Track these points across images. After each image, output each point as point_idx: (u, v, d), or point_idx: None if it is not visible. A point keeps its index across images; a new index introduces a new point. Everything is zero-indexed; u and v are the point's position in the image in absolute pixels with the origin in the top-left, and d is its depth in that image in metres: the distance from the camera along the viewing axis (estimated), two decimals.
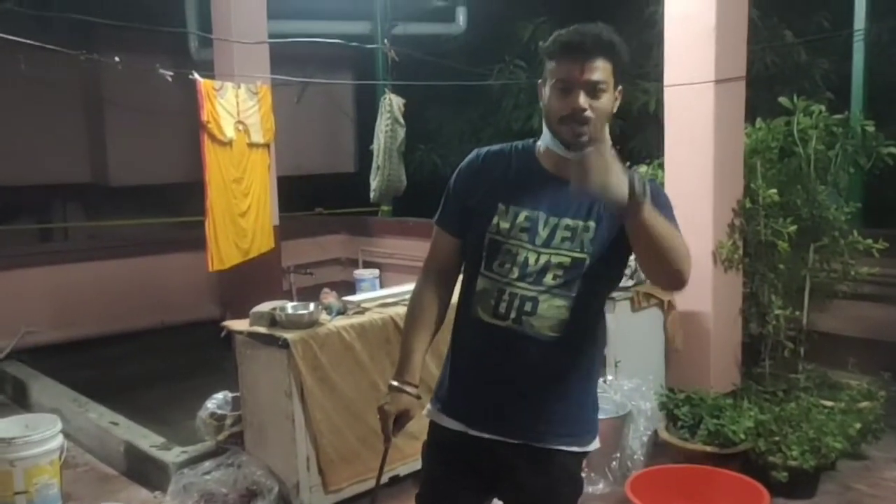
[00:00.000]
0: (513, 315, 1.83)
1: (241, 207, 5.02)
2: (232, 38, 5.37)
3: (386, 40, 5.64)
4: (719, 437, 3.71)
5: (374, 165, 5.63)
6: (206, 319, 6.83)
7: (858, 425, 3.82)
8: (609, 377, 4.06)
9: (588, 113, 1.75)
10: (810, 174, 4.64)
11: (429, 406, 2.02)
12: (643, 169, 5.77)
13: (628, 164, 5.94)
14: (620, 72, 1.81)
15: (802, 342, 4.53)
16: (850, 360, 4.52)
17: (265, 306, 3.66)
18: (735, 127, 4.41)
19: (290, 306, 3.61)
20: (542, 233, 1.83)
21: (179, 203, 7.70)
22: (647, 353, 4.29)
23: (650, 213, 1.62)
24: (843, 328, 4.88)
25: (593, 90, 1.76)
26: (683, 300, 4.38)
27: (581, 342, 1.90)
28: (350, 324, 3.63)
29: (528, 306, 1.82)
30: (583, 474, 2.03)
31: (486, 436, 1.89)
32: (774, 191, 4.39)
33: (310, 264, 7.21)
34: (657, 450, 4.00)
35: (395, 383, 1.96)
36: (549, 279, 1.82)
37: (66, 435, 3.99)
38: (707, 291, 4.37)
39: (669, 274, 1.76)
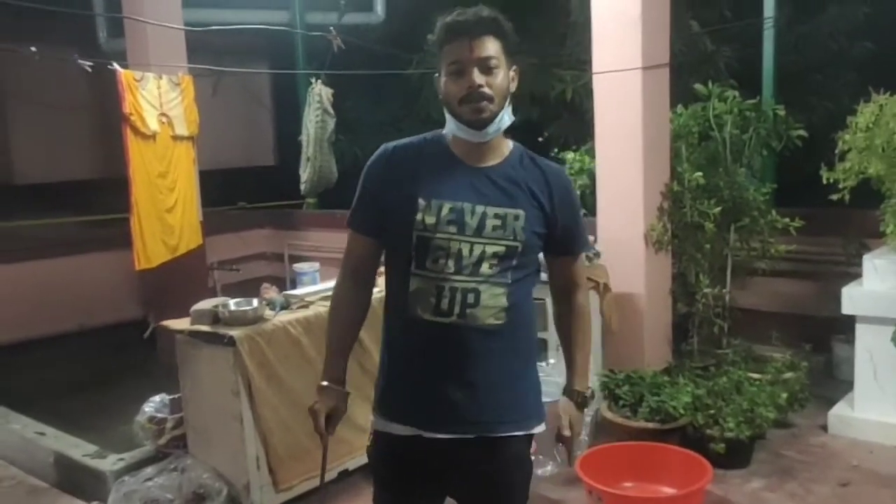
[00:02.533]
0: (457, 310, 1.82)
1: (168, 203, 4.85)
2: (146, 21, 5.14)
3: (332, 28, 5.54)
4: (660, 414, 3.85)
5: (303, 157, 5.53)
6: (128, 320, 6.61)
7: (785, 395, 4.04)
8: (551, 360, 4.13)
9: (485, 89, 1.78)
10: (727, 157, 4.86)
11: (372, 417, 1.99)
12: (570, 156, 5.91)
13: (556, 151, 6.03)
14: (511, 52, 1.85)
15: (727, 319, 4.74)
16: (772, 334, 4.77)
17: (206, 304, 3.56)
18: (661, 112, 4.56)
19: (232, 303, 3.51)
20: (471, 222, 1.83)
21: (91, 200, 7.35)
22: None
23: (586, 382, 2.15)
24: (763, 304, 5.15)
25: (486, 67, 1.79)
26: (618, 282, 4.50)
27: (521, 328, 1.92)
28: (296, 318, 3.56)
29: (470, 298, 1.82)
30: (532, 457, 2.07)
31: (441, 436, 1.87)
32: (700, 174, 4.57)
33: (234, 260, 7.05)
34: (600, 429, 4.11)
35: (323, 383, 1.96)
36: (485, 269, 1.83)
37: None
38: (640, 273, 4.52)
39: None
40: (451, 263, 1.81)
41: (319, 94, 5.54)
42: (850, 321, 4.18)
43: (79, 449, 4.04)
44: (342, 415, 1.98)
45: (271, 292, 3.82)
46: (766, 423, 3.82)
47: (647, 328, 4.57)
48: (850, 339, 4.30)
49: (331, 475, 3.64)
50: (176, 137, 4.96)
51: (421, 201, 1.83)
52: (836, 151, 4.31)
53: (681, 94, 5.00)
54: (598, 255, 4.45)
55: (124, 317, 6.59)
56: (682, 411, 3.82)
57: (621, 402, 4.05)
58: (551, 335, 4.16)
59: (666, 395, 3.92)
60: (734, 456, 3.74)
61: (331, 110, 5.50)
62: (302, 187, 6.11)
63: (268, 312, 3.57)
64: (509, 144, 1.94)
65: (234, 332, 3.33)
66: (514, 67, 1.87)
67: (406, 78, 7.87)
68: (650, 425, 3.84)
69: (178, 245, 4.97)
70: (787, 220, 4.64)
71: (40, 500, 3.91)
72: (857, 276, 4.29)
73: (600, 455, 3.58)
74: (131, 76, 4.63)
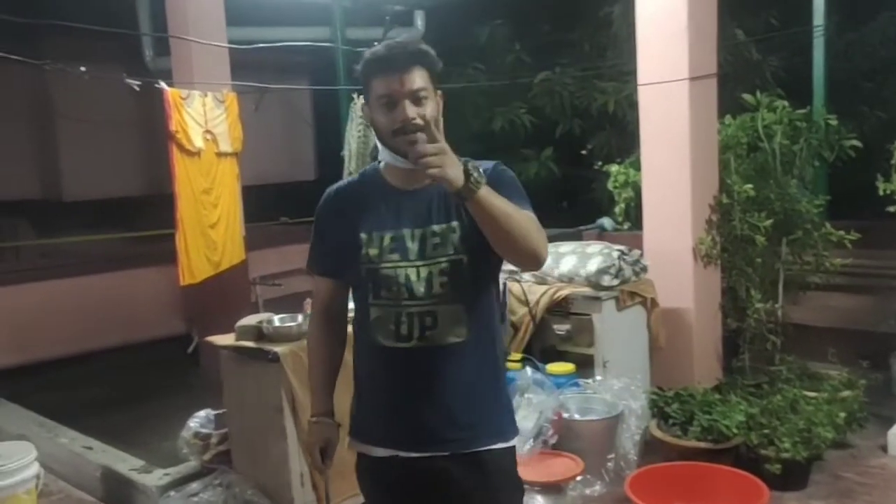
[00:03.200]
0: (416, 334, 1.86)
1: (211, 219, 4.88)
2: (192, 39, 5.22)
3: (376, 42, 5.56)
4: (712, 433, 3.73)
5: (345, 172, 5.53)
6: (171, 336, 6.66)
7: (843, 414, 3.89)
8: (598, 377, 4.05)
9: (418, 121, 1.79)
10: (777, 168, 4.74)
11: (349, 439, 2.03)
12: (614, 168, 5.84)
13: (599, 164, 5.97)
14: (437, 78, 1.87)
15: (779, 334, 4.60)
16: (827, 351, 4.61)
17: (251, 319, 3.55)
18: (709, 123, 4.46)
19: (276, 319, 3.50)
20: (413, 247, 1.87)
21: (136, 217, 7.48)
22: (632, 352, 4.29)
23: (488, 195, 1.67)
24: (817, 319, 4.99)
25: (416, 98, 1.81)
26: (665, 297, 4.40)
27: (483, 340, 1.93)
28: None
29: (428, 321, 1.86)
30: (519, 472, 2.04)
31: (416, 454, 1.90)
32: (750, 186, 4.46)
33: (276, 275, 7.06)
34: (648, 448, 4.00)
35: (312, 419, 2.03)
36: (437, 289, 1.85)
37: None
38: (688, 288, 4.41)
39: (522, 253, 1.78)
40: (403, 290, 1.86)
41: (362, 108, 5.52)
42: None
43: (125, 463, 4.06)
44: (336, 446, 2.04)
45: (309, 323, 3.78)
46: (823, 443, 3.68)
47: (697, 344, 4.46)
48: None
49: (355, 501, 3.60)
50: (220, 154, 5.00)
51: (363, 235, 1.89)
52: (893, 162, 4.18)
53: (727, 104, 4.90)
54: (644, 269, 4.36)
55: (168, 332, 6.64)
56: (735, 430, 3.70)
57: (671, 421, 3.94)
58: (597, 351, 4.10)
59: (718, 414, 3.80)
60: (790, 477, 3.61)
61: None
62: None
63: (306, 345, 3.54)
64: None
65: (279, 349, 3.32)
66: (439, 93, 1.89)
67: (445, 91, 7.87)
68: (702, 445, 3.73)
69: (221, 260, 5.00)
70: (841, 232, 4.50)
71: None
72: None
73: (650, 475, 3.49)
74: (178, 94, 4.69)
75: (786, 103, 4.83)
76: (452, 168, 1.62)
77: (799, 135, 4.86)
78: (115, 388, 5.95)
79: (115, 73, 4.69)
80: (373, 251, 1.88)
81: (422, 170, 1.64)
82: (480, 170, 1.67)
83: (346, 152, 5.61)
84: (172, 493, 3.59)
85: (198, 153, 4.80)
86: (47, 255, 7.15)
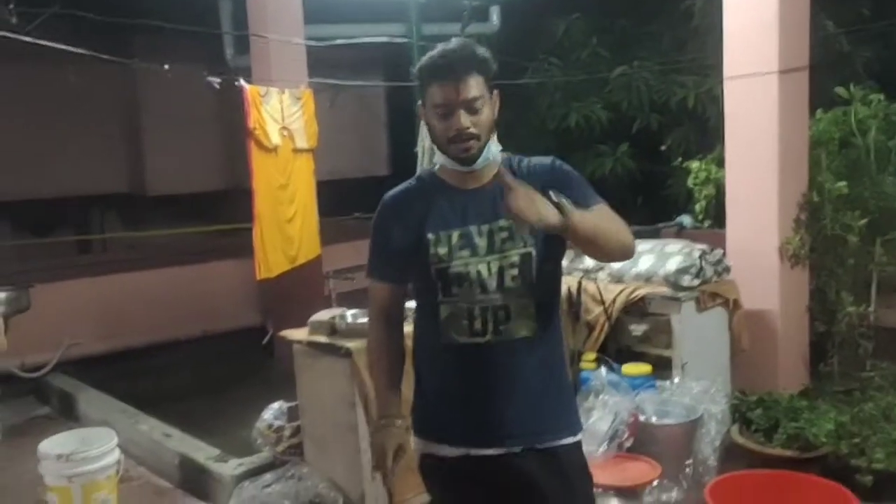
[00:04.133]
0: (490, 328, 1.88)
1: (288, 214, 4.95)
2: (271, 37, 5.31)
3: (452, 38, 5.58)
4: (799, 441, 3.56)
5: (418, 167, 5.54)
6: (247, 327, 6.81)
7: None
8: (676, 379, 3.92)
9: (472, 130, 1.82)
10: (871, 165, 4.51)
11: (415, 439, 2.02)
12: (695, 165, 5.65)
13: (679, 160, 5.81)
14: (491, 80, 1.88)
15: (871, 339, 4.37)
16: None
17: (324, 314, 3.57)
18: (799, 118, 4.27)
19: (349, 314, 3.51)
20: (481, 242, 1.89)
21: (216, 211, 7.66)
22: (713, 355, 4.14)
23: (581, 219, 1.72)
24: None
25: (472, 108, 1.83)
26: (749, 299, 4.23)
27: (551, 333, 1.97)
28: (410, 330, 3.51)
29: (501, 315, 1.88)
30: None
31: (490, 452, 1.91)
32: (844, 183, 4.25)
33: (349, 269, 7.12)
34: (729, 454, 3.85)
35: (382, 421, 2.01)
36: (508, 282, 1.88)
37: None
38: (774, 289, 4.24)
39: (616, 254, 1.88)
40: (475, 286, 1.88)
41: (417, 110, 5.53)
42: None
43: (202, 452, 4.15)
44: (406, 449, 2.00)
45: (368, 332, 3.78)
46: None
47: (782, 348, 4.27)
48: None
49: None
50: (296, 150, 5.07)
51: (430, 236, 1.91)
52: None
53: (817, 98, 4.68)
54: (727, 269, 4.20)
55: (244, 324, 6.79)
56: (823, 439, 3.52)
57: (753, 427, 3.78)
58: (675, 352, 3.97)
59: (805, 421, 3.63)
60: (883, 489, 3.41)
61: None
62: None
63: (367, 350, 3.54)
64: (499, 159, 1.95)
65: (351, 344, 3.33)
66: (494, 93, 1.90)
67: (521, 87, 7.79)
68: (788, 453, 3.57)
69: (297, 255, 5.07)
70: None
71: (165, 500, 4.05)
72: None
73: (732, 482, 3.34)
74: (256, 92, 4.76)
75: (881, 97, 4.60)
76: (545, 208, 1.66)
77: (895, 130, 4.61)
78: (193, 377, 6.11)
79: (198, 72, 4.82)
80: (442, 250, 1.89)
81: (515, 223, 1.70)
82: (563, 197, 1.70)
83: (419, 148, 5.63)
84: (246, 483, 3.65)
85: (275, 149, 4.87)
86: (132, 247, 7.40)
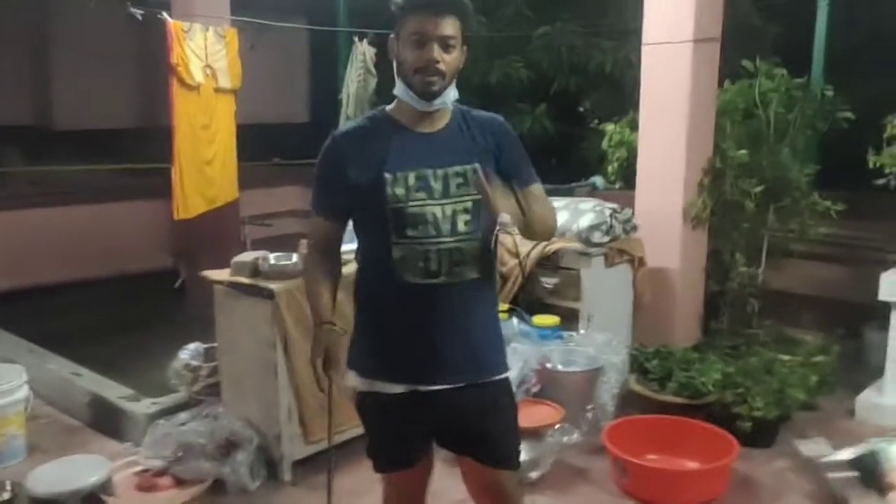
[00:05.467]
0: (445, 269, 1.96)
1: (208, 155, 4.89)
2: None
3: None
4: (689, 389, 3.85)
5: (342, 115, 5.53)
6: (158, 270, 6.68)
7: (815, 378, 4.03)
8: (581, 331, 4.15)
9: (441, 65, 1.90)
10: (770, 136, 4.79)
11: (358, 379, 2.08)
12: (610, 128, 5.86)
13: (595, 122, 6.00)
14: (467, 33, 1.96)
15: (759, 299, 4.71)
16: (805, 317, 4.73)
17: (247, 256, 3.59)
18: (709, 87, 4.49)
19: (272, 256, 3.54)
20: (437, 186, 1.96)
21: (128, 149, 7.41)
22: (617, 309, 4.39)
23: (527, 217, 1.99)
24: (797, 286, 5.10)
25: (445, 45, 1.90)
26: (652, 257, 4.49)
27: (491, 277, 2.10)
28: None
29: (456, 257, 1.97)
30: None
31: (436, 387, 2.00)
32: (745, 152, 4.51)
33: (266, 215, 7.08)
34: (626, 401, 4.12)
35: (323, 326, 2.07)
36: (461, 226, 1.97)
37: None
38: (675, 249, 4.50)
39: (541, 236, 2.16)
40: (430, 228, 1.94)
41: (363, 52, 5.52)
42: (885, 308, 4.14)
43: (114, 391, 4.13)
44: (338, 350, 2.08)
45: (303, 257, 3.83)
46: (794, 404, 3.82)
47: (680, 304, 4.56)
48: (883, 326, 4.26)
49: (358, 429, 3.69)
50: (219, 90, 4.98)
51: (387, 175, 1.94)
52: (885, 136, 4.24)
53: (727, 69, 4.91)
54: (634, 228, 4.43)
55: (155, 266, 6.65)
56: (710, 388, 3.83)
57: (650, 376, 4.06)
58: (583, 305, 4.19)
59: (695, 371, 3.93)
60: (760, 435, 3.73)
61: (373, 70, 5.48)
62: None
63: (303, 277, 3.59)
64: (450, 108, 2.04)
65: (274, 286, 3.37)
66: (465, 48, 1.98)
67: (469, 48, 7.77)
68: (678, 399, 3.86)
69: (215, 197, 5.03)
70: (828, 203, 4.58)
71: (75, 439, 4.00)
72: (891, 262, 4.24)
73: (627, 426, 3.62)
74: (180, 27, 4.64)
75: (784, 72, 4.86)
76: (513, 206, 1.95)
77: (794, 104, 4.90)
78: (102, 318, 5.98)
79: (116, 1, 4.64)
80: (399, 191, 1.94)
81: (485, 200, 1.91)
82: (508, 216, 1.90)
83: (343, 95, 5.61)
84: (161, 421, 3.66)
85: (197, 88, 4.78)
86: (36, 182, 7.10)
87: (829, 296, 5.09)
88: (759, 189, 4.48)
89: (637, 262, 4.42)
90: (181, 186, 4.74)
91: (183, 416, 3.67)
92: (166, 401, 3.94)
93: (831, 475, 3.26)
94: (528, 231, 2.03)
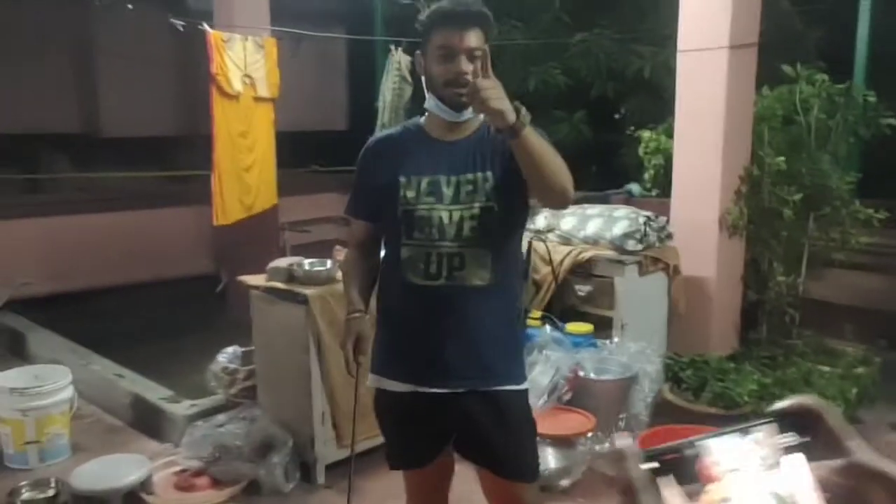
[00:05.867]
0: (444, 273, 2.00)
1: (246, 162, 4.98)
2: None
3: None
4: (724, 399, 3.81)
5: (378, 123, 5.58)
6: (199, 275, 6.82)
7: (855, 390, 3.95)
8: (615, 339, 4.13)
9: (469, 77, 1.93)
10: (811, 143, 4.72)
11: (371, 375, 2.16)
12: (646, 135, 5.83)
13: (631, 129, 5.95)
14: (490, 41, 2.01)
15: (798, 309, 4.64)
16: (845, 327, 4.64)
17: (282, 262, 3.66)
18: (746, 94, 4.44)
19: (307, 262, 3.60)
20: (448, 192, 2.01)
21: (171, 156, 7.59)
22: (651, 317, 4.36)
23: (532, 133, 1.86)
24: (837, 296, 5.01)
25: (471, 56, 1.95)
26: (688, 265, 4.45)
27: (504, 288, 2.07)
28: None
29: (456, 262, 2.00)
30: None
31: (436, 390, 2.03)
32: (782, 159, 4.45)
33: (304, 221, 7.18)
34: (659, 410, 4.08)
35: (352, 315, 2.12)
36: (467, 232, 1.99)
37: None
38: (712, 257, 4.45)
39: (555, 189, 1.94)
40: (434, 231, 2.00)
41: (399, 61, 5.58)
42: None
43: (155, 392, 4.23)
44: (367, 337, 2.12)
45: (343, 255, 3.89)
46: None
47: (716, 313, 4.51)
48: None
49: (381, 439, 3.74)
50: (258, 99, 5.08)
51: (402, 179, 2.03)
52: None
53: (766, 74, 4.86)
54: (669, 236, 4.40)
55: (196, 271, 6.79)
56: (746, 398, 3.78)
57: (684, 386, 4.03)
58: (617, 314, 4.17)
59: (731, 382, 3.89)
60: None
61: (409, 78, 5.54)
62: None
63: (339, 274, 3.64)
64: (479, 118, 2.06)
65: (308, 291, 3.43)
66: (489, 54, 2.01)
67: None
68: (712, 410, 3.82)
69: (253, 204, 5.12)
70: (870, 211, 4.49)
71: (117, 438, 4.11)
72: None
73: (660, 436, 3.57)
74: (220, 37, 4.75)
75: (825, 77, 4.78)
76: (506, 102, 1.80)
77: (836, 110, 4.81)
78: (144, 321, 6.13)
79: (158, 12, 4.78)
80: (410, 193, 2.02)
81: (477, 106, 1.82)
82: (524, 108, 1.84)
83: (380, 103, 5.66)
84: (199, 422, 3.73)
85: (236, 97, 4.88)
86: (83, 189, 7.31)
87: (871, 306, 4.98)
88: (797, 197, 4.42)
89: (672, 271, 4.39)
90: (220, 193, 4.85)
91: (220, 417, 3.75)
92: (205, 403, 4.02)
93: None
94: (535, 169, 1.88)
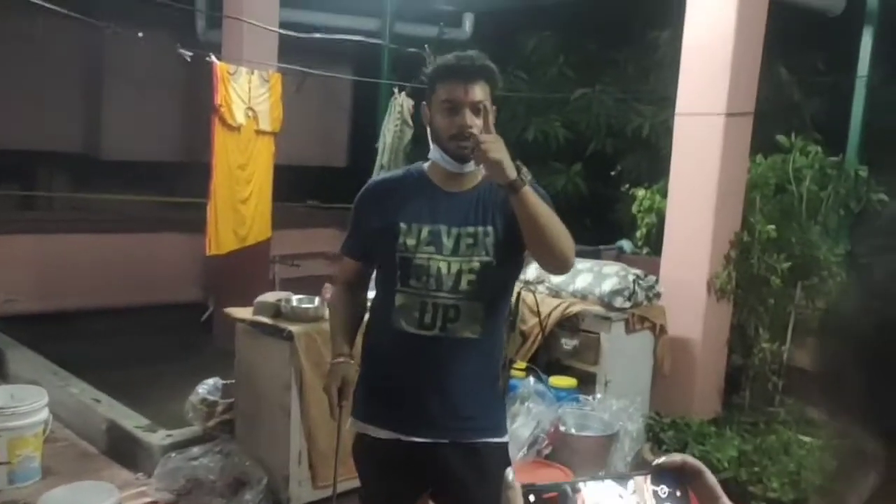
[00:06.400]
0: (438, 324, 2.00)
1: (243, 194, 5.01)
2: (245, 20, 5.35)
3: (427, 45, 5.77)
4: (703, 463, 3.78)
5: (377, 164, 5.64)
6: (187, 302, 6.79)
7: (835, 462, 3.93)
8: (598, 396, 4.12)
9: (473, 130, 1.95)
10: (801, 212, 4.78)
11: (352, 419, 2.15)
12: (640, 193, 5.89)
13: (626, 186, 6.01)
14: (495, 94, 2.04)
15: (782, 376, 4.65)
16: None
17: (270, 296, 3.66)
18: (740, 161, 4.52)
19: (294, 298, 3.61)
20: (448, 243, 2.01)
21: (170, 182, 7.62)
22: (636, 375, 4.36)
23: (533, 194, 1.89)
24: None
25: (476, 109, 1.98)
26: (675, 326, 4.46)
27: (493, 339, 2.09)
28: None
29: (451, 313, 2.00)
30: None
31: (418, 440, 2.02)
32: (773, 227, 4.50)
33: (296, 256, 7.18)
34: (638, 470, 4.05)
35: (336, 360, 2.11)
36: (464, 285, 2.00)
37: None
38: (699, 319, 4.47)
39: (555, 253, 1.95)
40: (432, 281, 2.00)
41: (402, 104, 5.66)
42: None
43: (131, 420, 4.17)
44: (351, 383, 2.10)
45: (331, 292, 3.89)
46: (811, 487, 3.73)
47: (700, 376, 4.52)
48: None
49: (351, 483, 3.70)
50: (259, 132, 5.13)
51: (402, 225, 2.03)
52: None
53: (761, 142, 4.95)
54: (657, 295, 4.42)
55: (184, 298, 6.76)
56: (726, 464, 3.76)
57: (664, 447, 4.01)
58: (601, 370, 4.17)
59: (711, 446, 3.87)
60: None
61: (410, 121, 5.62)
62: None
63: (327, 313, 3.64)
64: (482, 170, 2.04)
65: (294, 328, 3.42)
66: (494, 108, 2.05)
67: (498, 106, 7.92)
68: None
69: (247, 235, 5.13)
70: None
71: (89, 465, 4.04)
72: None
73: None
74: (226, 69, 4.81)
75: (819, 148, 4.87)
76: (506, 156, 1.84)
77: (828, 181, 4.89)
78: (129, 345, 6.07)
79: (167, 40, 4.84)
80: (410, 241, 2.02)
81: (478, 159, 1.86)
82: (524, 168, 1.88)
83: (380, 144, 5.73)
84: (174, 454, 3.69)
85: (238, 128, 4.92)
86: (79, 209, 7.32)
87: None
88: (786, 265, 4.46)
89: (658, 330, 4.40)
90: (215, 223, 4.86)
91: (196, 450, 3.71)
92: (181, 434, 3.97)
93: None
94: (536, 231, 1.91)
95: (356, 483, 3.49)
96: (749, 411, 4.56)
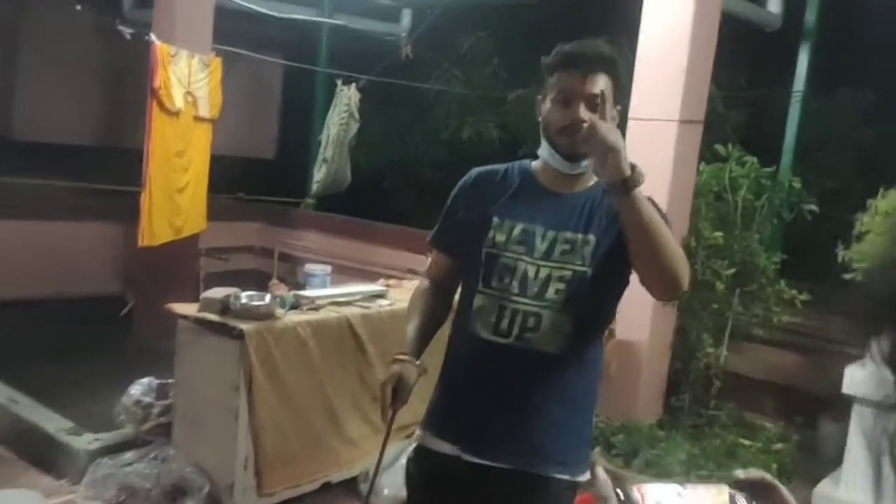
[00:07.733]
0: (515, 332, 1.79)
1: (180, 183, 4.74)
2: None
3: (404, 34, 5.61)
4: (655, 467, 3.82)
5: (320, 157, 5.45)
6: (104, 294, 6.42)
7: (775, 465, 4.04)
8: None
9: (587, 125, 1.72)
10: (737, 220, 4.88)
11: (419, 431, 1.96)
12: None
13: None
14: (619, 92, 1.85)
15: (719, 380, 4.73)
16: (764, 403, 4.77)
17: (217, 292, 3.44)
18: (689, 168, 4.57)
19: (244, 295, 3.40)
20: (541, 246, 1.82)
21: (91, 168, 7.15)
22: None
23: (644, 199, 1.69)
24: (755, 370, 5.14)
25: (592, 103, 1.78)
26: (622, 329, 4.47)
27: (583, 361, 1.86)
28: (307, 320, 3.47)
29: (531, 322, 1.79)
30: None
31: (479, 460, 1.80)
32: (720, 233, 4.57)
33: (222, 249, 6.89)
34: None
35: (398, 356, 1.89)
36: (551, 293, 1.79)
37: None
38: (646, 323, 4.49)
39: (665, 270, 1.73)
40: (515, 284, 1.80)
41: (349, 97, 5.49)
42: (841, 400, 4.17)
43: (53, 423, 3.88)
44: (409, 385, 1.85)
45: (281, 289, 3.72)
46: None
47: (644, 379, 4.55)
48: (837, 418, 4.30)
49: (313, 485, 3.55)
50: (198, 118, 4.87)
51: (495, 219, 1.85)
52: (855, 232, 4.35)
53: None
54: None
55: (101, 291, 6.39)
56: (677, 468, 3.80)
57: (614, 451, 4.01)
58: None
59: (661, 450, 3.89)
60: None
61: (356, 115, 5.45)
62: (314, 186, 6.03)
63: (278, 311, 3.47)
64: (593, 178, 1.88)
65: (244, 326, 3.24)
66: (617, 107, 1.86)
67: (420, 92, 7.85)
68: (643, 478, 3.80)
69: (183, 226, 4.86)
70: (794, 291, 4.66)
71: (3, 471, 3.72)
72: (853, 356, 4.29)
73: (585, 502, 3.53)
74: (167, 50, 4.54)
75: (755, 159, 4.99)
76: (624, 149, 1.64)
77: (763, 191, 5.02)
78: (41, 341, 5.64)
79: (89, 17, 4.52)
80: (500, 237, 1.84)
81: (593, 146, 1.64)
82: (638, 166, 1.67)
83: (323, 137, 5.55)
84: (104, 459, 3.43)
85: (177, 114, 4.66)
86: None
87: (789, 383, 5.14)
88: (730, 272, 4.54)
89: (607, 334, 4.39)
90: (149, 213, 4.57)
91: (128, 455, 3.47)
92: (111, 437, 3.71)
93: None
94: (646, 241, 1.69)
95: (302, 490, 3.39)
96: (689, 414, 4.63)
